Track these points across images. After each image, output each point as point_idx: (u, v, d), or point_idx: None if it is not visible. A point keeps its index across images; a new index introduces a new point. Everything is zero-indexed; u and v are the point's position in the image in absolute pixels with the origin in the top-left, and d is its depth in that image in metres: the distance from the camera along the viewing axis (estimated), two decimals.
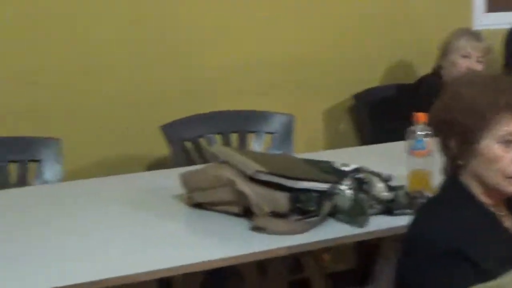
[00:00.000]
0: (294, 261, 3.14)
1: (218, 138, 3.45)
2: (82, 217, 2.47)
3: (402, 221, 2.16)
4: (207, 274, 2.88)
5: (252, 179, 2.32)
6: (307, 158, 2.70)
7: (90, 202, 2.62)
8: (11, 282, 1.98)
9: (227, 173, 2.36)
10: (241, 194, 2.30)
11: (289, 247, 2.20)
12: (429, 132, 2.31)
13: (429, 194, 2.26)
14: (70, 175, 3.16)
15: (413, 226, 1.88)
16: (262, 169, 2.32)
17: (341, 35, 4.00)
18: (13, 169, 3.06)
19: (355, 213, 2.30)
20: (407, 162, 2.50)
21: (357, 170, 2.44)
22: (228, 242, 2.24)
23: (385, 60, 4.17)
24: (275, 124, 3.53)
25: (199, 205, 2.46)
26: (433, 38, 3.88)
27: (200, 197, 2.43)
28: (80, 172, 3.33)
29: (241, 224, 2.32)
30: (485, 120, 1.81)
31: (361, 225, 2.29)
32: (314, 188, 2.32)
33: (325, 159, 2.64)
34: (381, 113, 3.96)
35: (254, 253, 2.18)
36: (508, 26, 4.17)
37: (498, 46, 4.09)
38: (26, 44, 3.36)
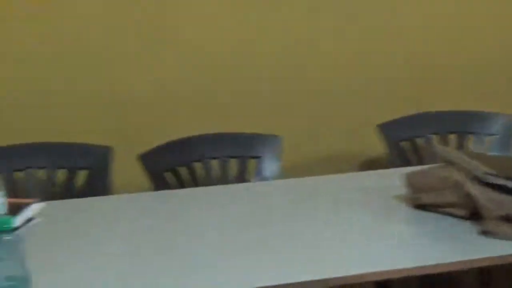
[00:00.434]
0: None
1: (435, 138, 3.37)
2: (296, 215, 2.47)
3: None
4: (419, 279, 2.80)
5: (481, 182, 2.23)
6: None
7: (305, 200, 2.62)
8: (232, 275, 2.02)
9: (455, 175, 2.28)
10: (469, 197, 2.22)
11: None
12: None
13: None
14: (288, 173, 3.20)
15: None
16: (492, 171, 2.23)
17: None
18: (233, 165, 3.13)
19: None
20: None
21: None
22: (455, 245, 2.16)
23: None
24: (496, 126, 3.39)
25: (422, 206, 2.40)
26: None
27: (426, 198, 2.36)
28: (297, 169, 3.36)
29: (468, 228, 2.24)
30: None
31: None
32: None
33: None
34: None
35: (484, 259, 2.09)
36: None
37: None
38: None
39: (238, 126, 3.29)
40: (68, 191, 2.97)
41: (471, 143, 3.36)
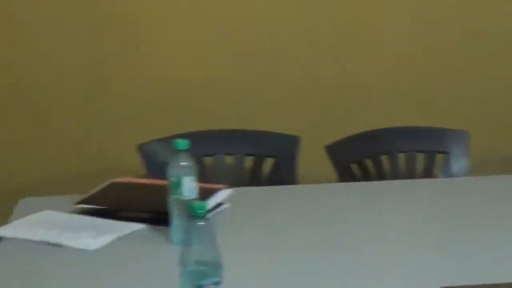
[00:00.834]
0: None
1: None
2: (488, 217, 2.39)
3: None
4: None
5: None
6: None
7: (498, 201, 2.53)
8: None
9: None
10: None
11: None
12: None
13: None
14: (476, 169, 3.10)
15: None
16: None
17: None
18: (420, 160, 3.07)
19: None
20: None
21: None
22: None
23: None
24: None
25: None
26: None
27: None
28: (487, 167, 3.26)
29: None
30: None
31: None
32: None
33: None
34: None
35: None
36: None
37: None
38: None
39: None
40: (254, 178, 3.02)
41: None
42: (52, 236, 2.21)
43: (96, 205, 2.40)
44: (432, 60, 3.54)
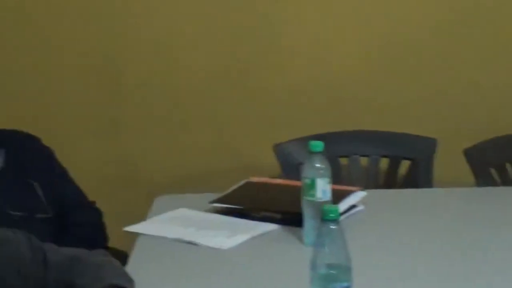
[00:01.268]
0: None
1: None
2: None
3: None
4: None
5: None
6: None
7: None
8: None
9: None
10: None
11: None
12: None
13: None
14: None
15: None
16: None
17: None
18: None
19: None
20: None
21: None
22: None
23: None
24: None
25: None
26: None
27: None
28: None
29: None
30: None
31: None
32: None
33: None
34: None
35: None
36: None
37: None
38: None
39: None
40: (389, 181, 2.99)
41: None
42: (188, 234, 2.25)
43: (231, 204, 2.44)
44: None
